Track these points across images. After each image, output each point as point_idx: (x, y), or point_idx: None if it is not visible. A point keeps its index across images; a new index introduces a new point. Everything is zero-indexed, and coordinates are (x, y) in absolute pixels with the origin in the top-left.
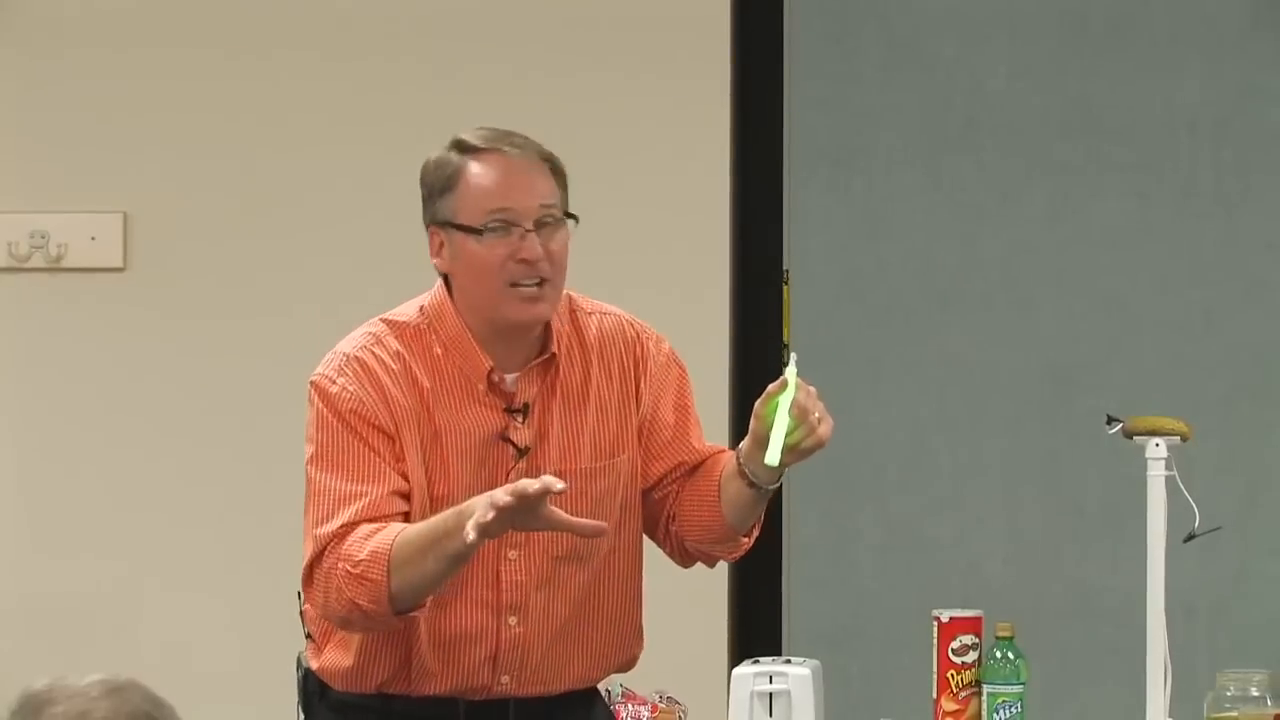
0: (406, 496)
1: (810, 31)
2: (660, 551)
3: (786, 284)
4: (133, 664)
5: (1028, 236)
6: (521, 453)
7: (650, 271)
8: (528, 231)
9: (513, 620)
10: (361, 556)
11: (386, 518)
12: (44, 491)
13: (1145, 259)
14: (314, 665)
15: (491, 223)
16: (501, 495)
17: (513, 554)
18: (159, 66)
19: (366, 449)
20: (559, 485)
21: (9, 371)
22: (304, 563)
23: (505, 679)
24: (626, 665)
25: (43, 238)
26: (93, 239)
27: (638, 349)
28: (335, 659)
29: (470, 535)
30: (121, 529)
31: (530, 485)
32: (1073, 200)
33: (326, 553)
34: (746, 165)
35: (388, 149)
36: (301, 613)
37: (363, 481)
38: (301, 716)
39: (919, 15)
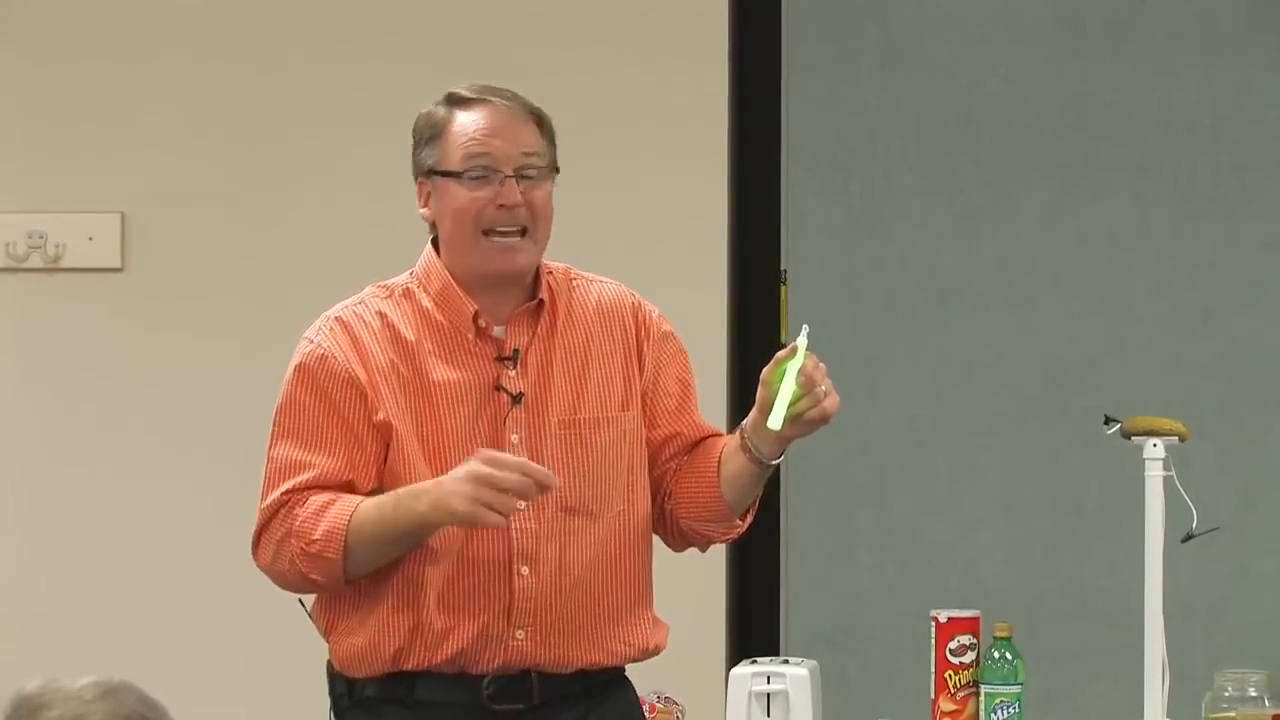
0: (370, 461)
1: (808, 31)
2: (658, 553)
3: (784, 284)
4: (127, 665)
5: (1026, 236)
6: (516, 399)
7: (648, 271)
8: (507, 178)
9: (524, 570)
10: (316, 536)
11: (336, 488)
12: (42, 491)
13: (1143, 259)
14: (333, 660)
15: (473, 168)
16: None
17: (520, 503)
18: (157, 67)
19: (328, 414)
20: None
21: (7, 372)
22: (254, 528)
23: (520, 634)
24: (649, 648)
25: (41, 238)
26: (90, 239)
27: (639, 315)
28: (348, 643)
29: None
30: (119, 529)
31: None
32: (1071, 200)
33: (276, 521)
34: (744, 165)
35: (386, 149)
36: (309, 613)
37: (316, 451)
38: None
39: (917, 15)
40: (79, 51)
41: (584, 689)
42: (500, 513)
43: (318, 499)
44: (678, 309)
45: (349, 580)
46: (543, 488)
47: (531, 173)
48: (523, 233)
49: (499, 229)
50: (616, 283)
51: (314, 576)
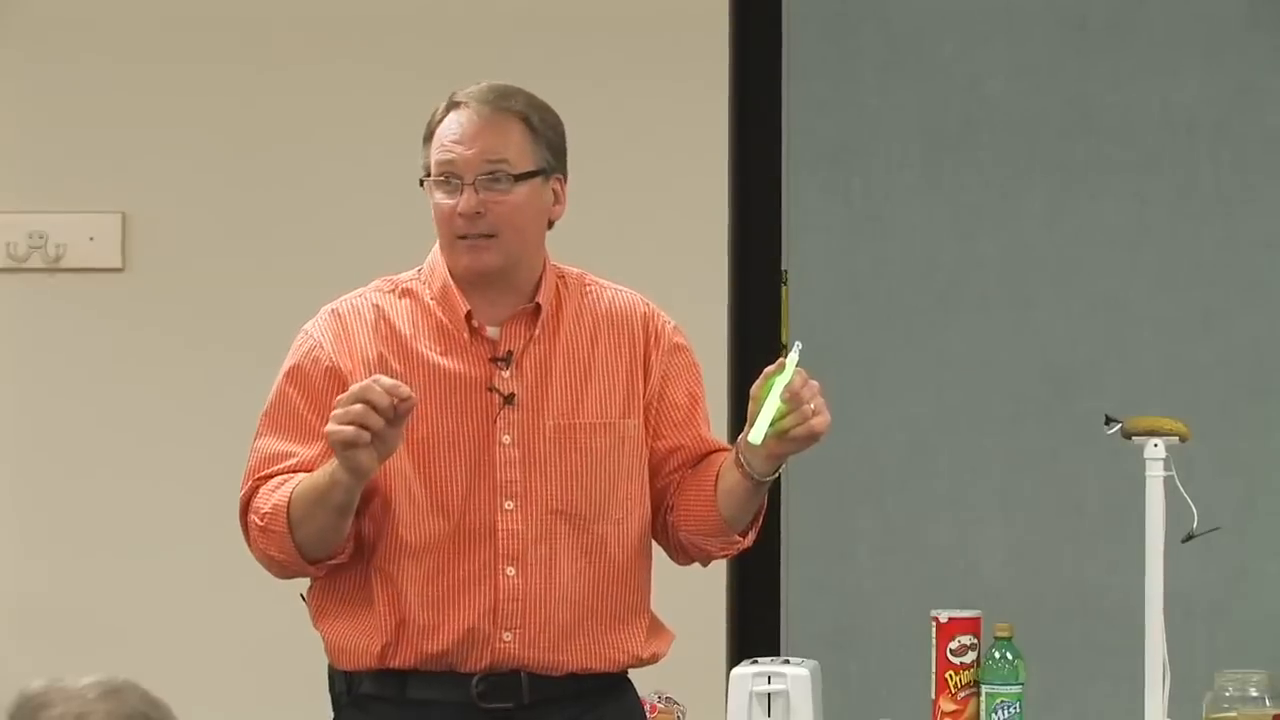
0: None
1: (809, 31)
2: (659, 553)
3: (785, 284)
4: (131, 665)
5: (1027, 236)
6: (507, 399)
7: (649, 272)
8: (466, 186)
9: (510, 570)
10: (266, 510)
11: None
12: (42, 491)
13: (1144, 259)
14: (325, 650)
15: (440, 174)
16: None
17: (509, 504)
18: (157, 67)
19: (308, 404)
20: (405, 390)
21: (8, 372)
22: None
23: (507, 636)
24: (644, 656)
25: (41, 238)
26: (91, 239)
27: (650, 325)
28: (333, 632)
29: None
30: (120, 529)
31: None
32: (1071, 200)
33: (248, 508)
34: (745, 166)
35: (386, 150)
36: (306, 600)
37: (295, 441)
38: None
39: (918, 15)
40: (79, 51)
41: (576, 691)
42: (357, 442)
43: (278, 479)
44: (678, 309)
45: (311, 559)
46: (395, 396)
47: (497, 179)
48: (491, 236)
49: (466, 234)
50: (631, 291)
51: (272, 553)
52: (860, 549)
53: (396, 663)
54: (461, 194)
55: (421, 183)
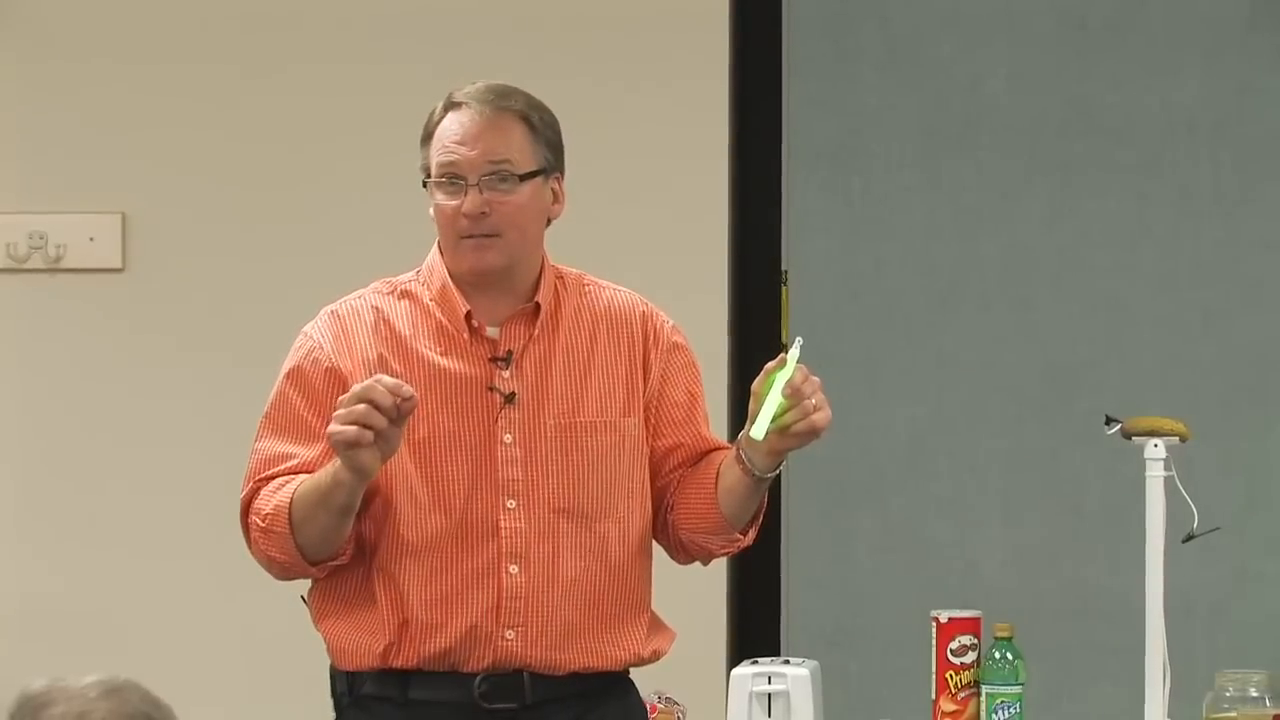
0: None
1: (809, 31)
2: (659, 553)
3: (785, 285)
4: (131, 665)
5: (1027, 237)
6: (507, 398)
7: (649, 272)
8: (470, 187)
9: (513, 569)
10: (268, 510)
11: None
12: (42, 491)
13: (1144, 259)
14: (327, 651)
15: (443, 176)
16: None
17: (511, 503)
18: (158, 68)
19: (309, 405)
20: (408, 390)
21: (8, 372)
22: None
23: (510, 634)
24: (645, 655)
25: (41, 239)
26: (91, 240)
27: (649, 324)
28: (335, 633)
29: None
30: (120, 530)
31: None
32: (1072, 200)
33: (249, 510)
34: (745, 166)
35: (386, 149)
36: (307, 602)
37: (296, 442)
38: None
39: (918, 15)
40: (79, 51)
41: (579, 691)
42: (361, 442)
43: (280, 480)
44: (678, 309)
45: (313, 560)
46: (398, 395)
47: (500, 179)
48: (495, 235)
49: (471, 234)
50: (629, 291)
51: (273, 554)
52: (860, 549)
53: (399, 663)
54: (465, 194)
55: (425, 184)
